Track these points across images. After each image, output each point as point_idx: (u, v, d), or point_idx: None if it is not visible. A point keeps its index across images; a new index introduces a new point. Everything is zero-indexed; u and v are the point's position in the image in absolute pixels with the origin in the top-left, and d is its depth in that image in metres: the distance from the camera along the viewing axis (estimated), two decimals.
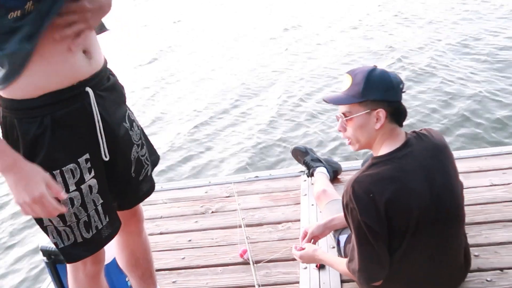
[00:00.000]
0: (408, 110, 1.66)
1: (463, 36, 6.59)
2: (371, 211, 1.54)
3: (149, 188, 1.67)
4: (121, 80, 1.54)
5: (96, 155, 1.39)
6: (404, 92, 1.63)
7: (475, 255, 1.99)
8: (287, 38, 8.14)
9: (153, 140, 1.72)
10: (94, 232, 1.43)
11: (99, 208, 1.43)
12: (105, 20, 1.40)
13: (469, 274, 1.86)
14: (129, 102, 1.58)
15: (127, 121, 1.51)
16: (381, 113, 1.58)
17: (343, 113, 1.66)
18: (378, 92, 1.58)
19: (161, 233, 2.60)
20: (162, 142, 5.29)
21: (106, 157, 1.41)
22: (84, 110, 1.34)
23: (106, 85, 1.42)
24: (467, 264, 1.82)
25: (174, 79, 7.36)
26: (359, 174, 1.60)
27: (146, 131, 1.68)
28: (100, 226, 1.45)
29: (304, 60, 6.99)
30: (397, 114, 1.62)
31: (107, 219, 1.47)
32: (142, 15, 11.75)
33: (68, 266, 1.55)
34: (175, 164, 4.89)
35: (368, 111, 1.60)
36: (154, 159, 1.71)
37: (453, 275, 1.79)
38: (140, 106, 6.42)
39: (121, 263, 1.86)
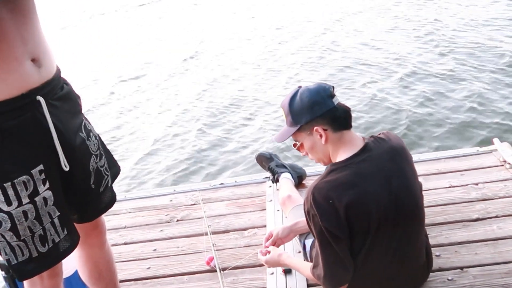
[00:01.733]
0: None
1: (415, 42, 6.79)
2: (331, 216, 1.57)
3: (111, 199, 1.64)
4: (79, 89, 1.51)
5: (50, 166, 1.35)
6: (334, 96, 1.65)
7: (436, 255, 2.04)
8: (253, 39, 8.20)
9: (115, 149, 1.69)
10: (50, 246, 1.38)
11: (56, 220, 1.38)
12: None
13: (431, 274, 1.91)
14: (88, 112, 1.55)
15: (83, 131, 1.47)
16: (319, 129, 1.64)
17: (294, 144, 1.78)
18: (305, 114, 1.65)
19: (125, 243, 2.56)
20: (124, 152, 5.21)
21: (66, 167, 1.37)
22: (35, 119, 1.30)
23: (59, 94, 1.38)
24: (429, 264, 1.87)
25: (133, 87, 7.28)
26: (318, 181, 1.63)
27: (107, 141, 1.65)
28: (57, 239, 1.39)
29: (268, 63, 7.05)
30: (336, 120, 1.64)
31: (65, 232, 1.42)
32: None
33: (25, 281, 1.49)
34: (139, 173, 4.81)
35: (308, 133, 1.67)
36: (115, 170, 1.68)
37: (416, 275, 1.83)
38: (99, 115, 6.31)
39: (83, 277, 1.81)
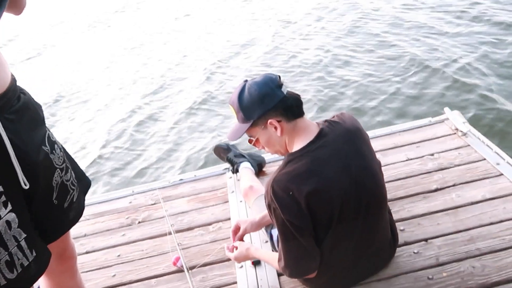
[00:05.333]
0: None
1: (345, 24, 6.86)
2: (292, 208, 1.55)
3: (76, 214, 1.51)
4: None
5: (11, 187, 1.23)
6: (282, 85, 1.62)
7: (401, 230, 2.07)
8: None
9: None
10: (19, 271, 1.26)
11: (23, 243, 1.27)
12: None
13: (397, 249, 1.94)
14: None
15: (47, 144, 1.35)
16: (273, 122, 1.60)
17: (249, 140, 1.73)
18: (256, 108, 1.61)
19: (87, 252, 2.46)
20: (76, 156, 5.04)
21: (26, 185, 1.25)
22: None
23: (16, 106, 1.26)
24: (395, 240, 1.89)
25: (81, 87, 7.05)
26: (277, 173, 1.60)
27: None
28: (26, 263, 1.28)
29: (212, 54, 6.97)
30: (288, 110, 1.61)
31: (34, 254, 1.31)
32: None
33: None
34: (94, 178, 4.67)
35: (262, 127, 1.64)
36: (84, 183, 1.56)
37: (383, 253, 1.85)
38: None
39: None
